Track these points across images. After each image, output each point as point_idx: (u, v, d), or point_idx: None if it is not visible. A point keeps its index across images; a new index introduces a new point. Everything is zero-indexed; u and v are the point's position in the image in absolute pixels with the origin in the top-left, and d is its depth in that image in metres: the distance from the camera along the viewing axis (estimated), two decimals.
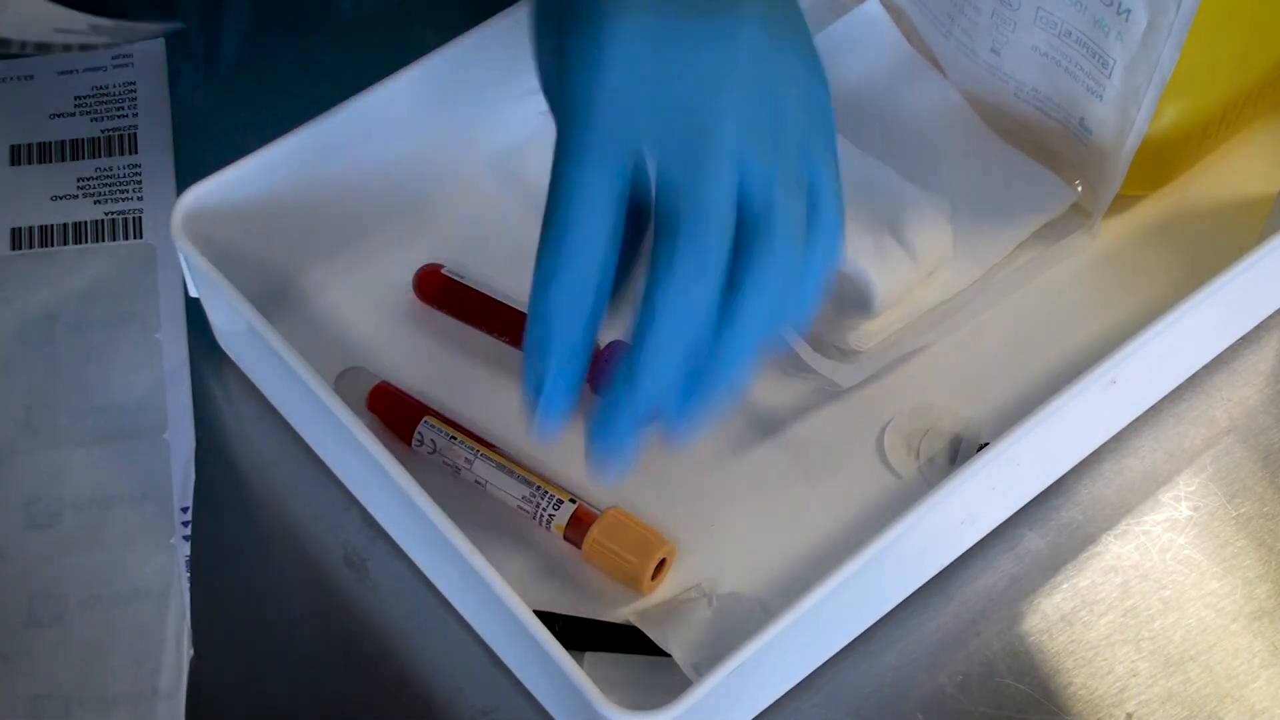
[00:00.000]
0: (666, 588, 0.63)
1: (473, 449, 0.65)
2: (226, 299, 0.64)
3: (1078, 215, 0.72)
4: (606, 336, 0.68)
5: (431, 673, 0.62)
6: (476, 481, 0.64)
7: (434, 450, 0.65)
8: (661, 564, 0.63)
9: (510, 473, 0.64)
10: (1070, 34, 0.67)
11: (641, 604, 0.62)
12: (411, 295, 0.70)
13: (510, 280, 0.71)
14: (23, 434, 0.67)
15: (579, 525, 0.63)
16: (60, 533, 0.65)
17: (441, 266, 0.69)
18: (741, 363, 0.50)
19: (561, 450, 0.63)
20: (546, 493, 0.63)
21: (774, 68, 0.49)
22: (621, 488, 0.65)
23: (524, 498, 0.63)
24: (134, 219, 0.74)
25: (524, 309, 0.66)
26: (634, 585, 0.62)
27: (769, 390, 0.68)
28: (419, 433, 0.65)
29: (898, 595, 0.63)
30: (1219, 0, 0.65)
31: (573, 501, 0.63)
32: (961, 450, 0.66)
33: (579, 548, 0.63)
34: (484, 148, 0.73)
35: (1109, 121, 0.68)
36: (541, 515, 0.63)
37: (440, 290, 0.69)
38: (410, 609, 0.64)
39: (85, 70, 0.79)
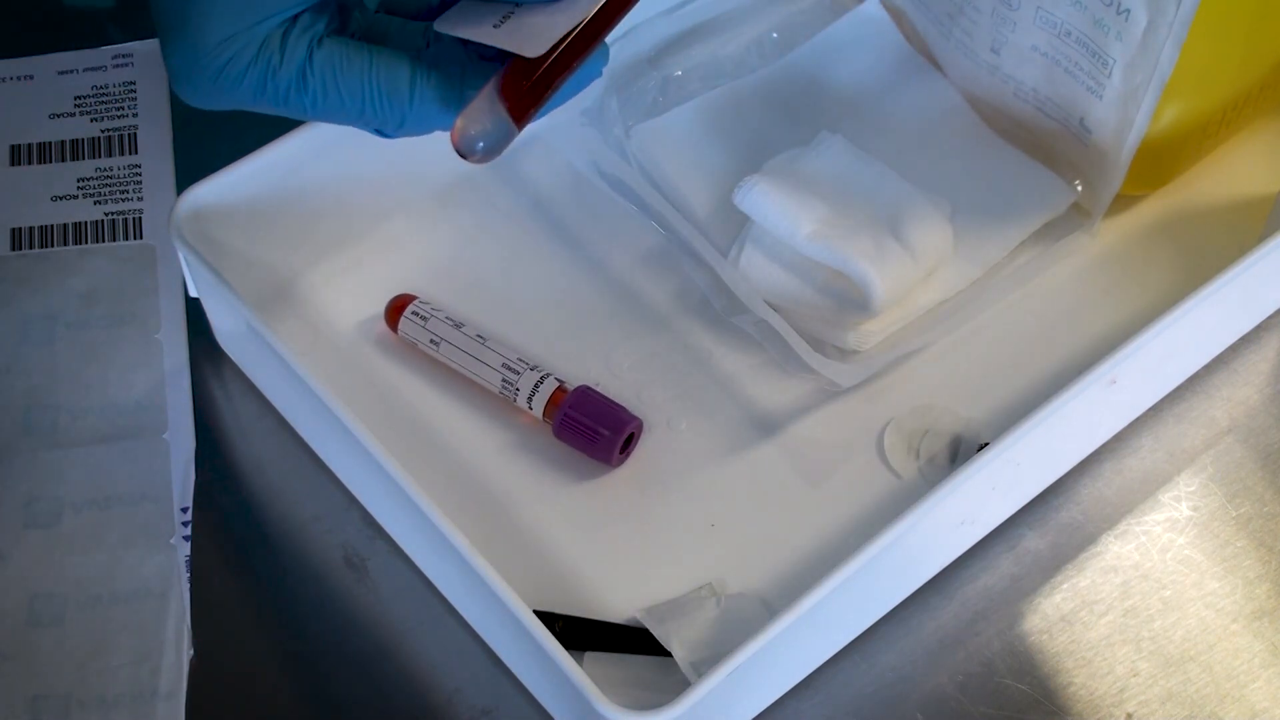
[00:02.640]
0: (675, 586, 0.63)
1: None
2: (226, 299, 0.64)
3: (1078, 215, 0.72)
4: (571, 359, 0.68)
5: (431, 673, 0.62)
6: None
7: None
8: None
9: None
10: (1070, 34, 0.67)
11: (649, 600, 0.62)
12: None
13: (509, 278, 0.71)
14: (23, 434, 0.67)
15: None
16: (60, 533, 0.65)
17: (409, 302, 0.69)
18: None
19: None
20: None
21: None
22: (621, 487, 0.65)
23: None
24: (134, 219, 0.74)
25: (474, 359, 0.67)
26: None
27: (769, 390, 0.68)
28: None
29: (898, 595, 0.63)
30: (1219, 0, 0.65)
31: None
32: (961, 450, 0.66)
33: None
34: None
35: (1109, 121, 0.68)
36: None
37: (399, 339, 0.69)
38: (410, 609, 0.64)
39: (85, 70, 0.79)
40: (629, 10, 0.53)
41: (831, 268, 0.67)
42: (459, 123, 0.52)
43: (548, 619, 0.58)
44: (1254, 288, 0.68)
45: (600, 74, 0.55)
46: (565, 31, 0.52)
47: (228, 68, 0.51)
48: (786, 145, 0.72)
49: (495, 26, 0.52)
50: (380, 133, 0.55)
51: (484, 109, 0.52)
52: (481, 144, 0.52)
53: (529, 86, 0.52)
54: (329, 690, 0.62)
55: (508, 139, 0.52)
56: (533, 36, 0.52)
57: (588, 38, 0.53)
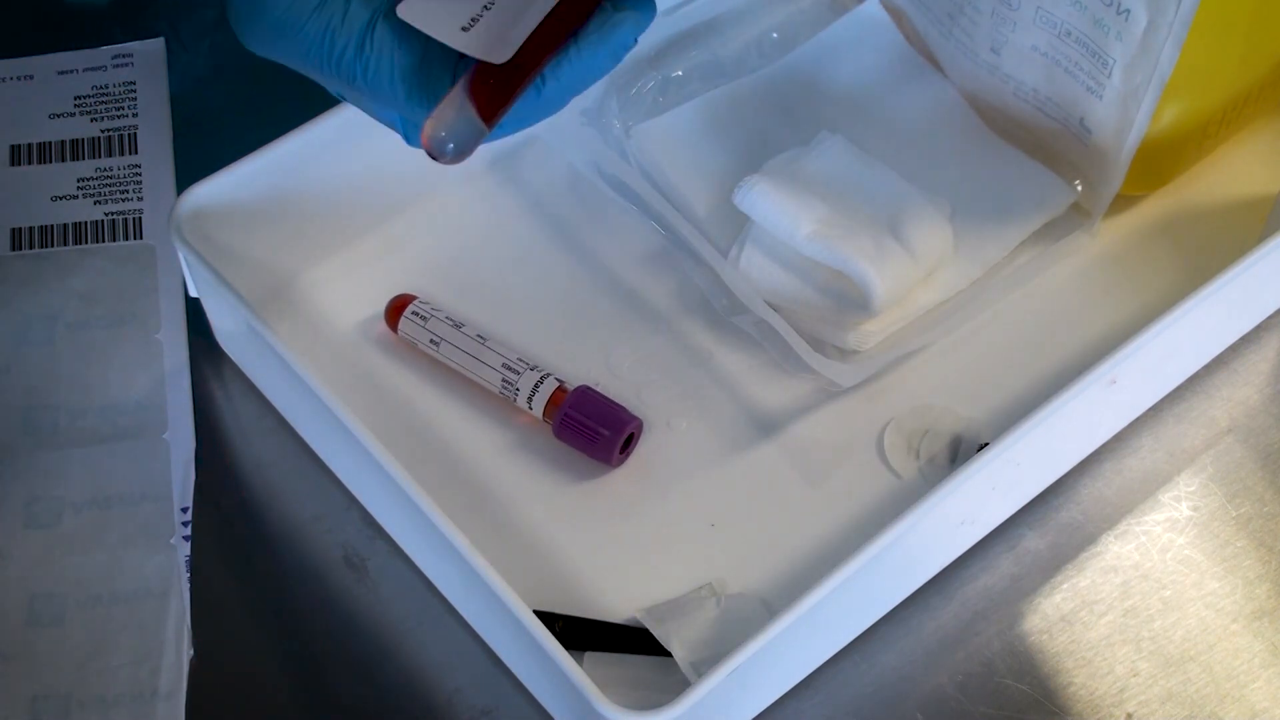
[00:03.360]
0: (675, 586, 0.63)
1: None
2: (226, 299, 0.64)
3: (1078, 215, 0.72)
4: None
5: (431, 673, 0.62)
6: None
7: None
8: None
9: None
10: (1070, 34, 0.67)
11: (649, 600, 0.62)
12: None
13: (509, 278, 0.71)
14: (23, 434, 0.67)
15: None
16: (60, 533, 0.65)
17: (409, 302, 0.69)
18: None
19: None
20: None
21: None
22: (621, 487, 0.65)
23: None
24: (134, 219, 0.74)
25: (474, 359, 0.67)
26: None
27: (769, 390, 0.68)
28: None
29: (898, 595, 0.63)
30: (1219, 0, 0.65)
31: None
32: (961, 450, 0.66)
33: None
34: (482, 148, 0.73)
35: (1109, 121, 0.68)
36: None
37: (399, 339, 0.69)
38: (410, 609, 0.64)
39: (85, 70, 0.79)
40: (595, 9, 0.54)
41: (831, 268, 0.67)
42: (428, 125, 0.52)
43: (548, 619, 0.58)
44: (1254, 288, 0.68)
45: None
46: (530, 33, 0.52)
47: (292, 9, 0.52)
48: (786, 145, 0.72)
49: (464, 30, 0.52)
50: (406, 136, 0.55)
51: (453, 110, 0.52)
52: (451, 145, 0.52)
53: (497, 87, 0.52)
54: (329, 690, 0.62)
55: (477, 139, 0.52)
56: (499, 42, 0.52)
57: (555, 37, 0.53)
